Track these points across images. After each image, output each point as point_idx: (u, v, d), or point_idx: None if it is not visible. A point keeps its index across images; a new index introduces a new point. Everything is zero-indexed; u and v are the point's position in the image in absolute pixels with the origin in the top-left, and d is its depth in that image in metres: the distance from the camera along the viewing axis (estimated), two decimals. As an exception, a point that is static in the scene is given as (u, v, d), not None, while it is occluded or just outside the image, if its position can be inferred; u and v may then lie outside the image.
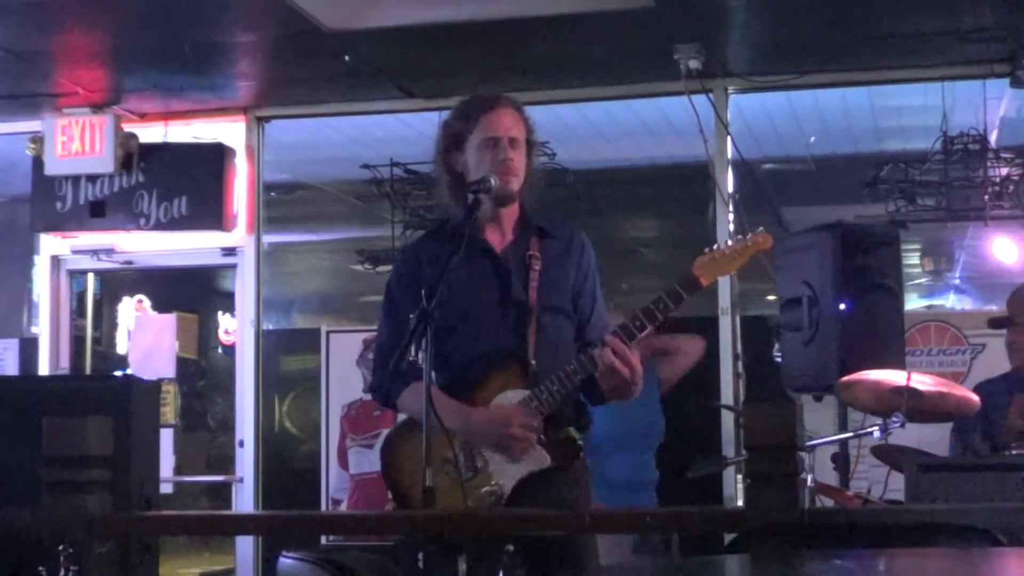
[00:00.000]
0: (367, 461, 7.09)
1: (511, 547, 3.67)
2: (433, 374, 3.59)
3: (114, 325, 9.12)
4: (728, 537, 3.85)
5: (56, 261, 7.77)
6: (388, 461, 3.79)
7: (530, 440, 3.63)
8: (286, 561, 4.48)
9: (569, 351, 3.73)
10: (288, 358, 7.75)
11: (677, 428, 6.13)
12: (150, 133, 7.42)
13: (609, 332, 3.67)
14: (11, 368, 7.90)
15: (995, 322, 5.67)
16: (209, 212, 7.31)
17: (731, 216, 6.84)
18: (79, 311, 8.09)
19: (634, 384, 3.68)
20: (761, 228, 3.78)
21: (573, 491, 3.72)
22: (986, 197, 6.82)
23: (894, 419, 4.71)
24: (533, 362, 3.68)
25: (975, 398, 5.01)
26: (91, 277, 8.18)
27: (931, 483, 4.34)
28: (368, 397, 6.99)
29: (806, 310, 5.46)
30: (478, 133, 3.75)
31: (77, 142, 7.23)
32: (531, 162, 3.84)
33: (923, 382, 4.96)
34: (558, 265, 3.79)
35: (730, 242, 3.78)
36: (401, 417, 3.89)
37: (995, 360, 5.87)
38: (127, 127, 7.31)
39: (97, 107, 7.24)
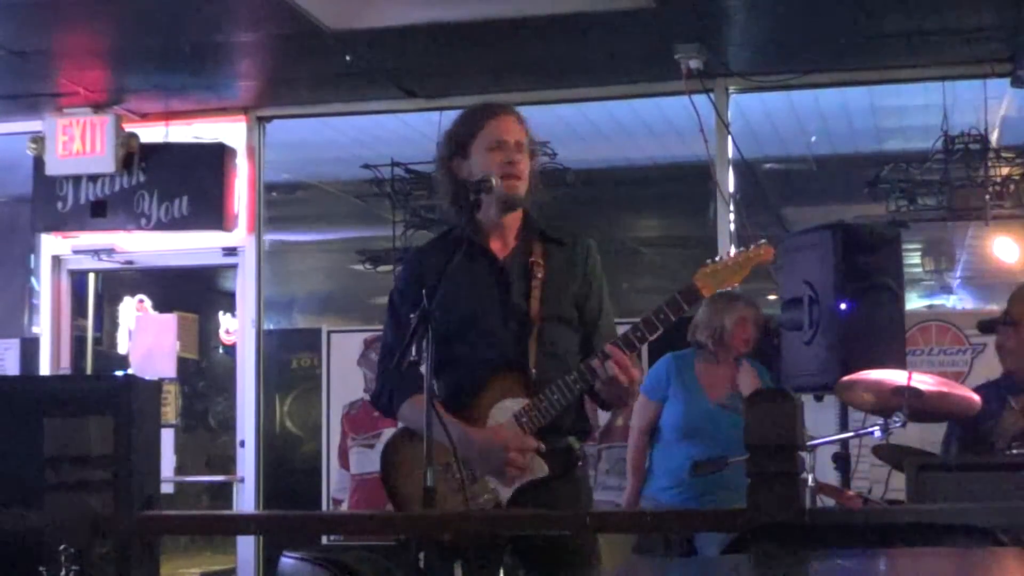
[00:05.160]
0: (368, 461, 7.09)
1: (511, 548, 3.68)
2: (434, 382, 3.59)
3: (115, 325, 9.12)
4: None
5: (57, 261, 7.78)
6: (388, 467, 3.78)
7: (525, 467, 3.62)
8: (287, 561, 4.48)
9: (571, 360, 3.71)
10: (289, 358, 7.76)
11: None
12: (151, 133, 7.42)
13: (611, 342, 3.68)
14: (12, 368, 7.90)
15: (984, 325, 5.66)
16: (210, 212, 7.32)
17: (732, 216, 6.84)
18: (80, 311, 8.09)
19: (632, 395, 3.70)
20: (763, 240, 3.79)
21: (571, 500, 3.71)
22: (987, 197, 6.82)
23: (895, 419, 4.70)
24: (533, 371, 3.67)
25: (976, 398, 5.00)
26: (92, 277, 8.18)
27: (931, 483, 4.34)
28: (370, 402, 7.00)
29: (807, 310, 5.46)
30: (484, 137, 3.74)
31: (78, 142, 7.23)
32: (533, 168, 3.84)
33: (924, 382, 4.96)
34: (561, 272, 3.77)
35: (732, 252, 3.78)
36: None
37: (996, 360, 5.86)
38: (128, 127, 7.31)
39: (98, 107, 7.24)
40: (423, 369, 3.33)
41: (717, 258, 3.74)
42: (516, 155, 3.72)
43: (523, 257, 3.77)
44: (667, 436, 5.62)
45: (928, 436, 5.65)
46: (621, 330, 3.73)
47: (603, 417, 6.83)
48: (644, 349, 4.02)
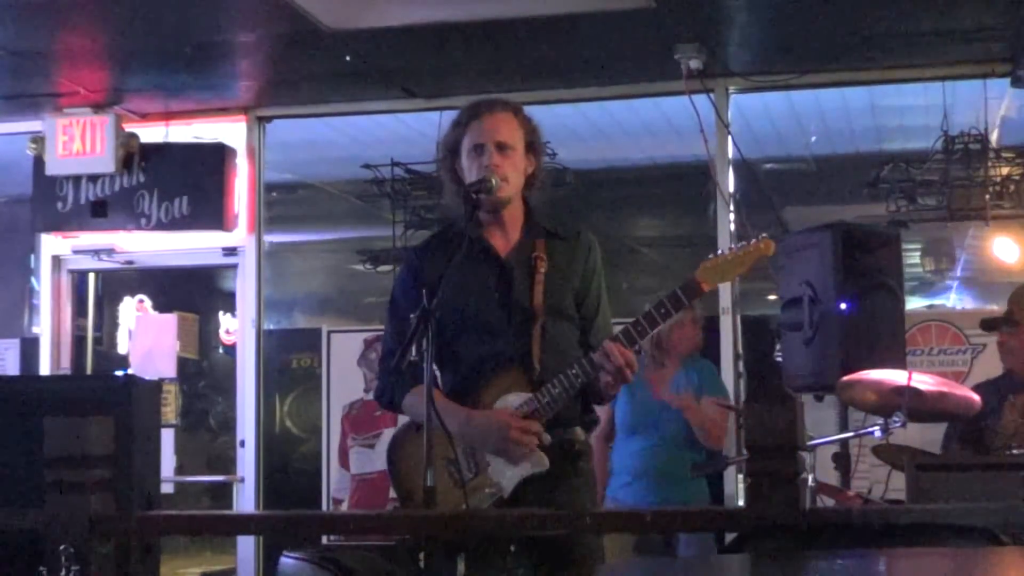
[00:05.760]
0: (368, 461, 7.08)
1: (513, 547, 3.68)
2: (438, 376, 3.59)
3: (115, 325, 9.12)
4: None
5: (57, 261, 7.77)
6: (393, 461, 3.79)
7: (529, 444, 3.63)
8: (287, 561, 4.49)
9: (573, 354, 3.72)
10: (289, 358, 7.76)
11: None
12: (151, 133, 7.42)
13: (611, 336, 3.69)
14: (12, 368, 7.90)
15: (987, 323, 5.67)
16: (210, 212, 7.31)
17: (732, 216, 6.84)
18: (80, 311, 8.09)
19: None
20: (764, 234, 3.78)
21: (573, 493, 3.71)
22: (987, 197, 6.82)
23: (895, 419, 4.71)
24: (537, 366, 3.68)
25: (976, 398, 5.01)
26: (92, 277, 8.18)
27: (931, 483, 4.34)
28: (369, 396, 7.00)
29: (807, 310, 5.46)
30: (467, 140, 3.76)
31: (78, 142, 7.23)
32: (535, 164, 3.84)
33: (924, 382, 4.96)
34: (563, 267, 3.79)
35: (733, 247, 3.78)
36: (405, 417, 3.89)
37: (996, 360, 5.87)
38: (128, 127, 7.31)
39: (98, 107, 7.24)
40: (424, 366, 3.33)
41: (718, 252, 3.75)
42: (495, 157, 3.71)
43: (526, 252, 3.78)
44: (619, 434, 5.84)
45: (928, 436, 5.65)
46: (616, 327, 3.75)
47: (601, 417, 6.84)
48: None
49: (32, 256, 8.13)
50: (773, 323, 6.42)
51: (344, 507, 7.19)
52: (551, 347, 3.71)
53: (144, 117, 7.49)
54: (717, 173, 6.86)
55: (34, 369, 7.70)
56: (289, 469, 7.58)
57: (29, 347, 7.91)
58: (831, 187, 8.99)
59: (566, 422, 3.72)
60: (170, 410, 7.70)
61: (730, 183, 6.93)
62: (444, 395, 3.68)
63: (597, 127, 7.92)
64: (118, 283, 8.99)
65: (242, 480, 7.40)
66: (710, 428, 5.77)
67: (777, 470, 2.82)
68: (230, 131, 7.49)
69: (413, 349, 3.32)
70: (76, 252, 7.73)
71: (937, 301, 11.60)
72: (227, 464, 8.65)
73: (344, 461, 7.28)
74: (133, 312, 8.92)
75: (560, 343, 3.74)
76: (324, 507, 7.18)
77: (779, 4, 5.97)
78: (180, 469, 8.08)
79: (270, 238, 7.78)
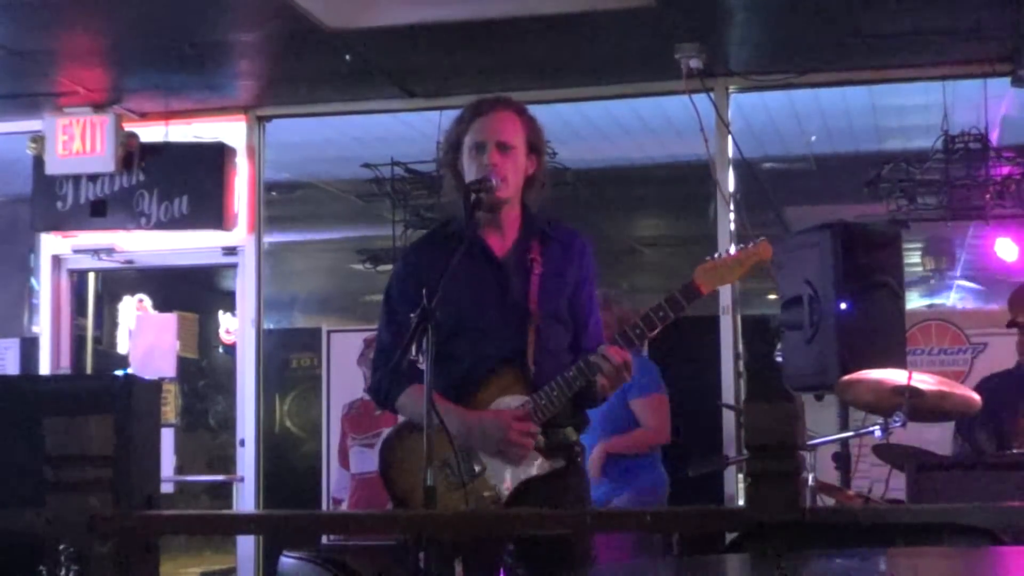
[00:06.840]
0: (368, 460, 7.08)
1: (511, 547, 3.68)
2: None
3: (115, 324, 9.12)
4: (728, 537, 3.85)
5: (57, 260, 7.77)
6: (387, 462, 3.79)
7: (528, 446, 3.63)
8: (287, 560, 4.49)
9: (565, 357, 3.73)
10: (289, 358, 7.76)
11: (678, 427, 6.16)
12: (151, 132, 7.42)
13: (604, 339, 3.69)
14: (12, 368, 7.90)
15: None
16: (210, 211, 7.31)
17: (732, 215, 6.84)
18: (80, 311, 8.09)
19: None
20: (762, 238, 3.80)
21: (570, 495, 3.71)
22: (987, 196, 6.82)
23: (895, 418, 4.71)
24: (532, 368, 3.68)
25: (976, 397, 5.00)
26: (92, 277, 8.18)
27: (931, 483, 4.34)
28: (369, 396, 7.01)
29: (807, 309, 5.46)
30: (469, 138, 3.76)
31: (78, 141, 7.22)
32: (536, 165, 3.83)
33: (924, 381, 4.96)
34: (558, 269, 3.78)
35: (732, 250, 3.79)
36: (402, 417, 3.89)
37: (996, 359, 5.87)
38: (128, 126, 7.31)
39: (98, 106, 7.24)
40: (421, 366, 3.33)
41: (716, 255, 3.76)
42: (494, 156, 3.71)
43: (522, 254, 3.78)
44: None
45: (929, 435, 5.65)
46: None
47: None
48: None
49: (32, 256, 8.13)
50: (773, 323, 6.41)
51: (344, 507, 7.19)
52: (545, 349, 3.71)
53: (144, 117, 7.49)
54: (717, 173, 6.86)
55: (34, 369, 7.69)
56: (289, 469, 7.58)
57: (29, 347, 7.90)
58: (831, 187, 8.99)
59: (559, 423, 3.72)
60: (170, 410, 7.70)
61: (730, 183, 6.93)
62: (440, 395, 3.68)
63: (597, 127, 7.92)
64: (118, 283, 8.99)
65: (242, 480, 7.40)
66: (645, 442, 5.90)
67: (777, 470, 2.81)
68: (230, 131, 7.48)
69: (413, 348, 3.31)
70: (76, 252, 7.73)
71: (937, 301, 11.60)
72: (227, 464, 8.65)
73: (344, 461, 7.28)
74: (133, 312, 8.93)
75: (554, 345, 3.74)
76: (324, 507, 7.18)
77: (779, 4, 5.97)
78: (180, 469, 8.08)
79: (270, 238, 7.78)
